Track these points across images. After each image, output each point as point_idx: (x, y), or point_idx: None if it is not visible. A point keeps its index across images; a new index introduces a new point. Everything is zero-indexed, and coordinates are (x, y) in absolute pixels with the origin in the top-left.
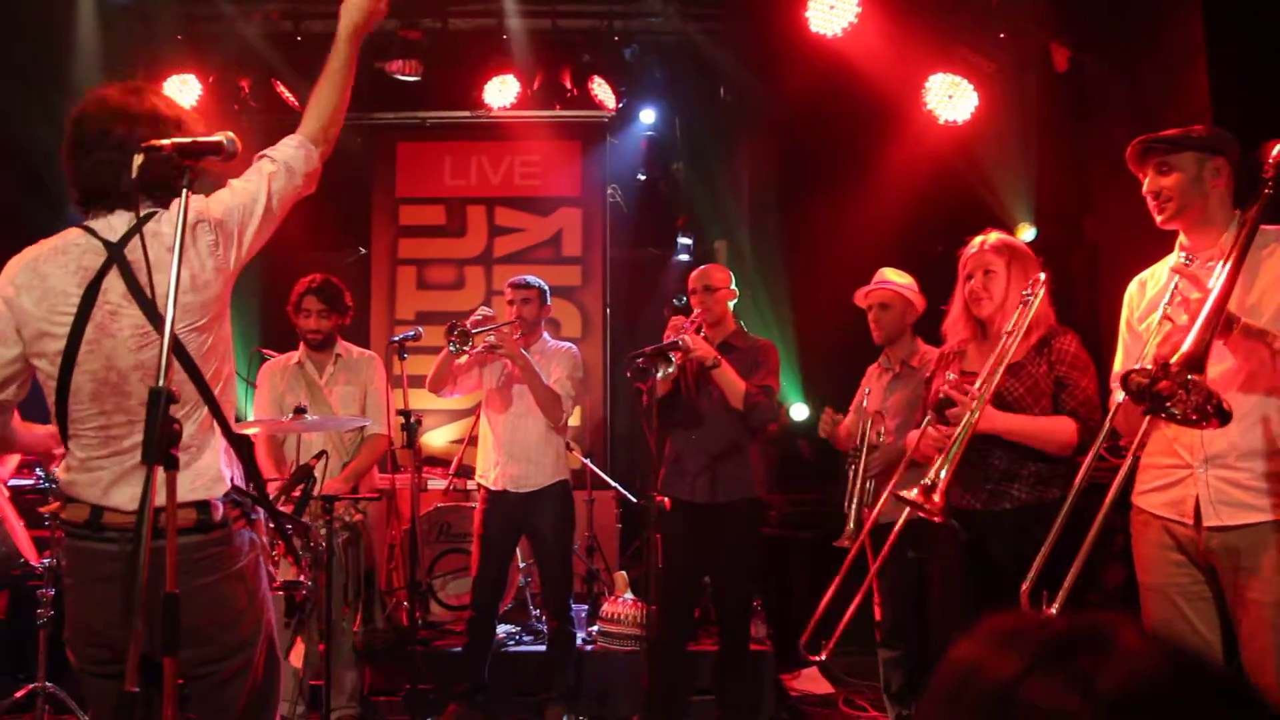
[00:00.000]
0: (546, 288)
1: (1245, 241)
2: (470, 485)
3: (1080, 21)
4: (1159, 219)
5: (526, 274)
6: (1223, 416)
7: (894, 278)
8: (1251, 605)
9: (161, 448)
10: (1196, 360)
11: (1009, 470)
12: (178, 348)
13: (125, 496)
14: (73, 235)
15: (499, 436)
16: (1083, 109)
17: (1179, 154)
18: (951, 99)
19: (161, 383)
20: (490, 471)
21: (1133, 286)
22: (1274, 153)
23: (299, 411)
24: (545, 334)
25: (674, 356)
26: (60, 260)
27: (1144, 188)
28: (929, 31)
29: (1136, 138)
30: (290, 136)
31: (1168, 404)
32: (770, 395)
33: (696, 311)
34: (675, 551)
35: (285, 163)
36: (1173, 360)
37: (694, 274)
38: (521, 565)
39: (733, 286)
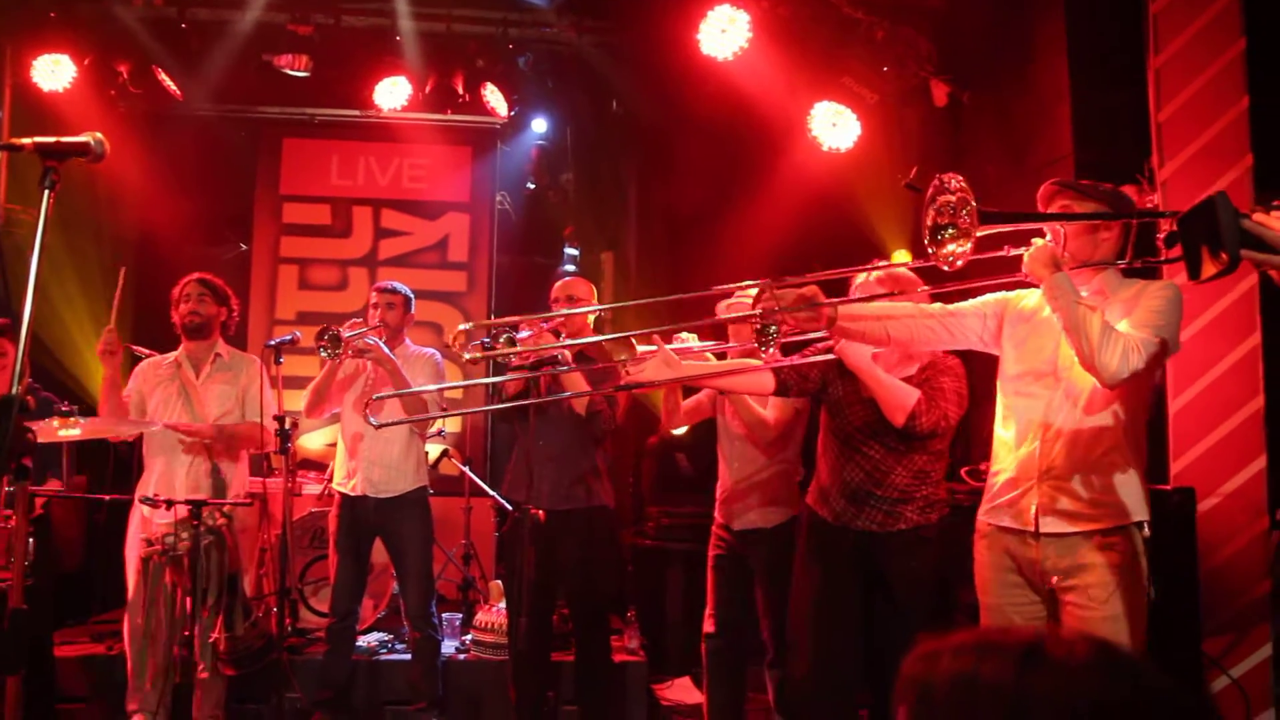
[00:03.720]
0: (412, 295)
1: None
2: None
3: (959, 59)
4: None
5: (397, 281)
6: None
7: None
8: (1080, 623)
9: (13, 456)
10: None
11: (904, 492)
12: None
13: None
14: None
15: (360, 442)
16: (958, 144)
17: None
18: (835, 127)
19: (15, 389)
20: (348, 477)
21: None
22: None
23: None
24: (408, 340)
25: (516, 339)
26: None
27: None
28: (816, 61)
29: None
30: None
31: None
32: (613, 405)
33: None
34: (525, 560)
35: None
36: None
37: (559, 284)
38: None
39: (594, 303)
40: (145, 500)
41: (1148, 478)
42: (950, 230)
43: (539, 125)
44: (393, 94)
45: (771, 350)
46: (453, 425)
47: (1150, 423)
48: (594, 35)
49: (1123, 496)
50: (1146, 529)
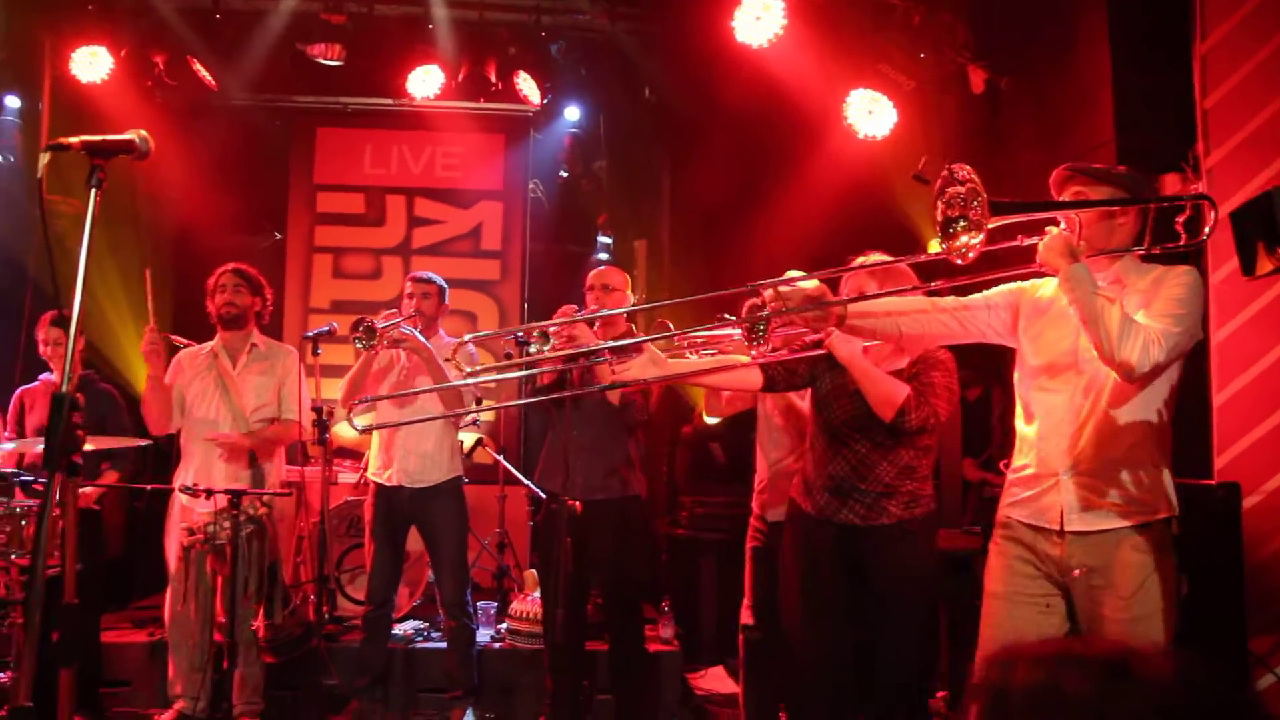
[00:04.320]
0: (446, 285)
1: None
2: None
3: (997, 45)
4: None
5: (430, 270)
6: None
7: (801, 282)
8: (1109, 623)
9: (64, 453)
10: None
11: (889, 487)
12: None
13: None
14: None
15: (395, 431)
16: (996, 130)
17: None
18: (871, 114)
19: (65, 388)
20: (384, 467)
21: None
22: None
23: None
24: (442, 330)
25: (552, 336)
26: None
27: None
28: (852, 47)
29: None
30: None
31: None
32: (646, 396)
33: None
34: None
35: None
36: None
37: (593, 272)
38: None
39: (629, 293)
40: (184, 490)
41: (1190, 472)
42: (962, 222)
43: (572, 113)
44: (426, 82)
45: (761, 346)
46: (486, 414)
47: (1193, 417)
48: (627, 22)
49: (1150, 492)
50: (1175, 525)
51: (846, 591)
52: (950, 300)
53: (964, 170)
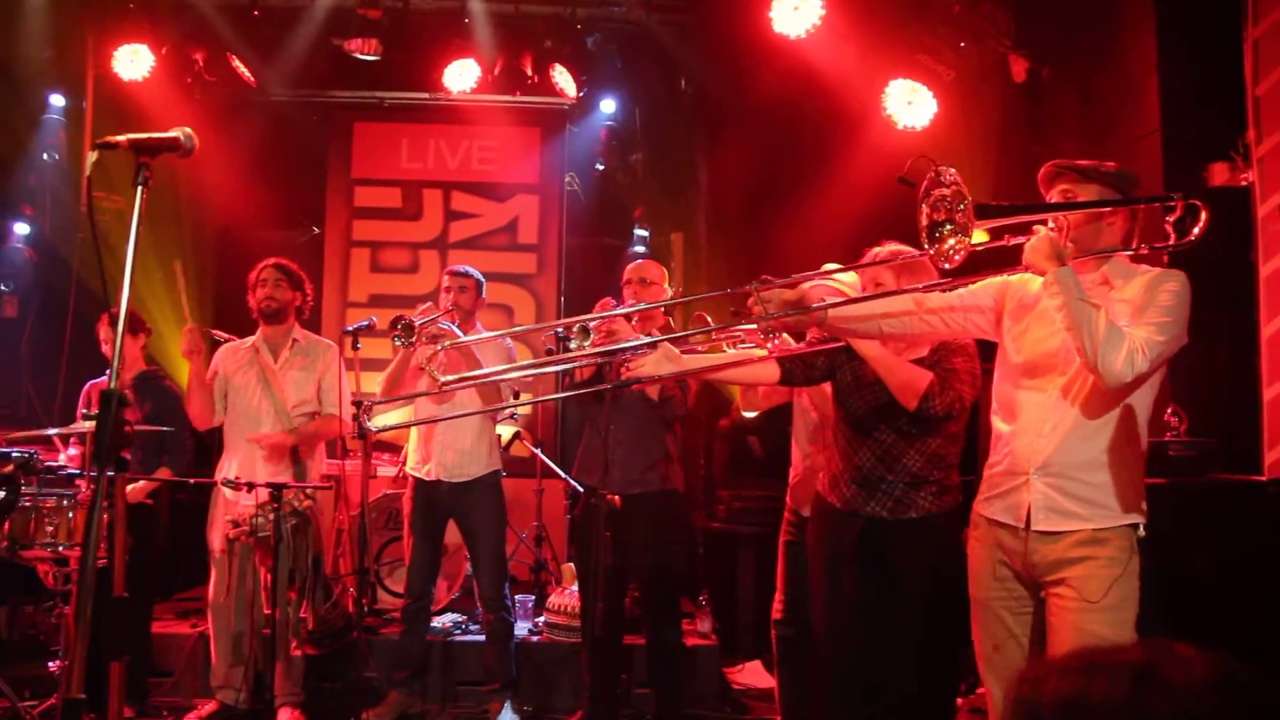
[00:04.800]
0: (483, 279)
1: None
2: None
3: (1039, 34)
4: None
5: (467, 264)
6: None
7: (838, 274)
8: (1070, 624)
9: (113, 449)
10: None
11: (917, 477)
12: None
13: None
14: None
15: (434, 426)
16: (1038, 120)
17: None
18: (910, 105)
19: (114, 384)
20: (422, 462)
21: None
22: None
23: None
24: (479, 324)
25: (593, 330)
26: None
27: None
28: (891, 37)
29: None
30: None
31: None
32: (685, 390)
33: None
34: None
35: None
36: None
37: (630, 266)
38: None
39: (667, 286)
40: (227, 483)
41: (1239, 469)
42: (948, 226)
43: (608, 106)
44: (462, 76)
45: (777, 340)
46: (523, 407)
47: (1242, 412)
48: (663, 14)
49: (1118, 496)
50: (1142, 529)
51: (871, 586)
52: (936, 298)
53: (950, 173)
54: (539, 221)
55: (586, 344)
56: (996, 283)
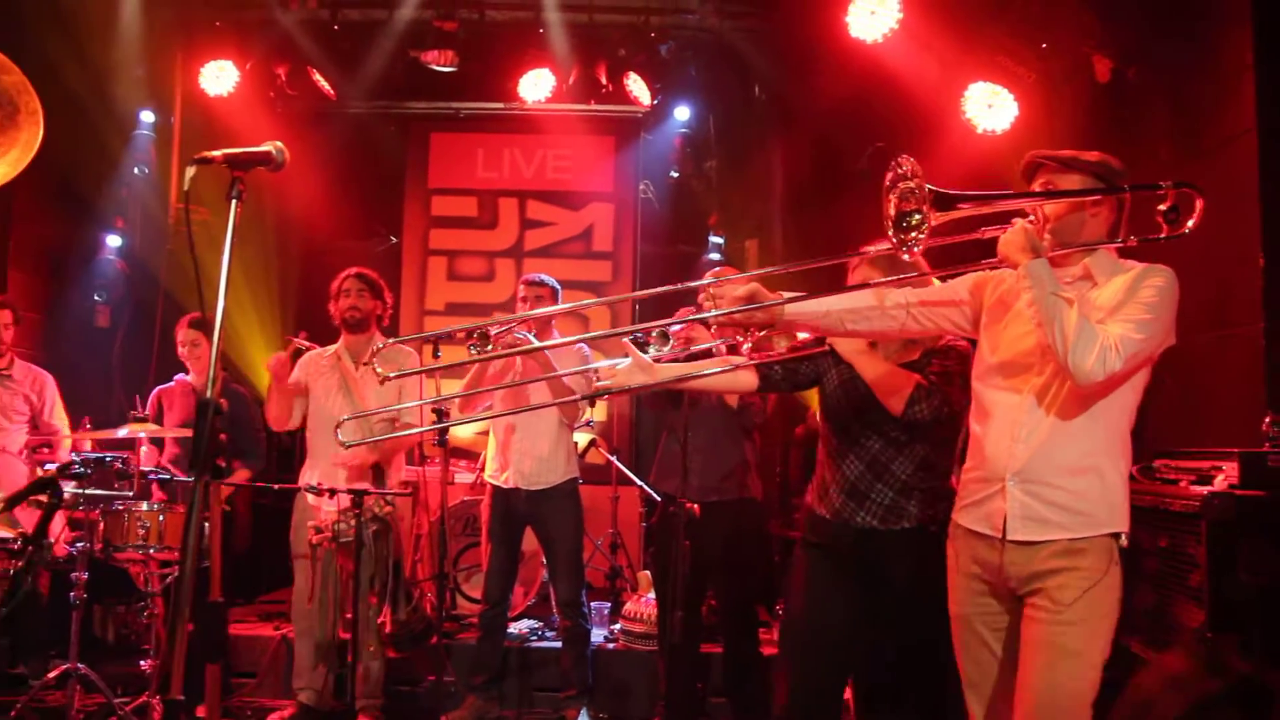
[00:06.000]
0: (559, 286)
1: None
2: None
3: (1124, 33)
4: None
5: (542, 273)
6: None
7: None
8: (1042, 637)
9: (210, 457)
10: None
11: (907, 484)
12: None
13: None
14: None
15: (511, 434)
16: (1123, 122)
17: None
18: (991, 108)
19: (210, 393)
20: (500, 470)
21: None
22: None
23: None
24: (555, 331)
25: (672, 336)
26: None
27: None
28: (969, 40)
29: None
30: None
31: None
32: (764, 398)
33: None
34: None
35: None
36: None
37: (708, 274)
38: (545, 562)
39: None
40: (309, 489)
41: None
42: (916, 216)
43: (682, 113)
44: (537, 86)
45: (746, 341)
46: (599, 414)
47: None
48: (736, 20)
49: (1098, 505)
50: (1124, 539)
51: (862, 600)
52: (902, 294)
53: (909, 163)
54: (614, 229)
55: (665, 350)
56: (977, 276)
